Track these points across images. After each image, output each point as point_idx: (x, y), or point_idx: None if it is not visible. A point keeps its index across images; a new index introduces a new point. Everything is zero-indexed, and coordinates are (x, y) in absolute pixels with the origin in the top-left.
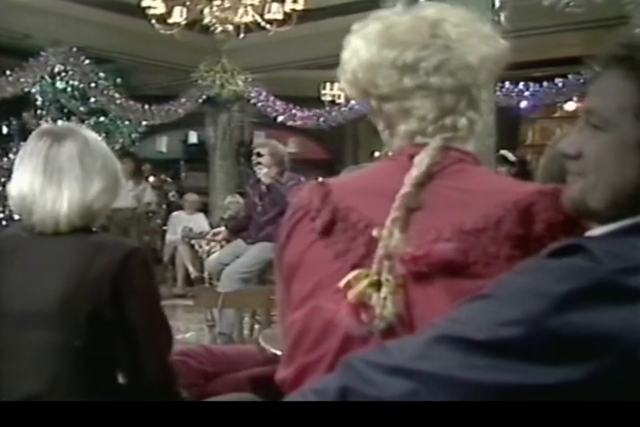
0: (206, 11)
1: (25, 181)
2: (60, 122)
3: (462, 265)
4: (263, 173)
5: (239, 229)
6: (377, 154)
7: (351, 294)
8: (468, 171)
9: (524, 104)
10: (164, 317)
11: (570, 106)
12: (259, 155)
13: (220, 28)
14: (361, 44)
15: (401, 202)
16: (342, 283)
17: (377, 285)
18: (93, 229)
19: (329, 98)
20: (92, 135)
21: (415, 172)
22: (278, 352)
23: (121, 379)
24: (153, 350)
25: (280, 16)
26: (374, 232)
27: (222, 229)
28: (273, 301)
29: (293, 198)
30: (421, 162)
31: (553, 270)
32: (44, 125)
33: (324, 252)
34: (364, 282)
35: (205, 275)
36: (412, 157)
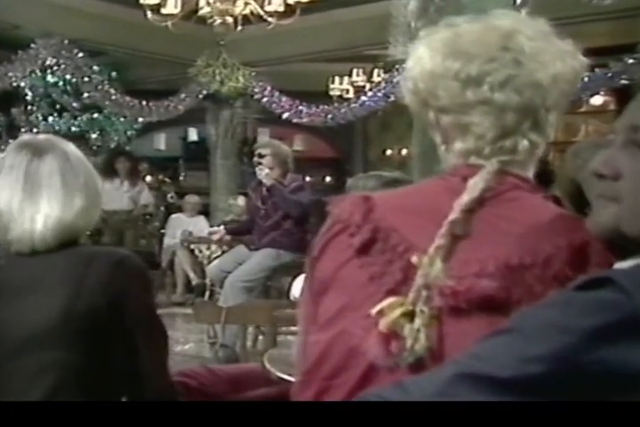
0: (202, 1)
1: (2, 197)
2: (50, 118)
3: (503, 303)
4: (264, 174)
5: (239, 232)
6: (389, 152)
7: (383, 323)
8: (523, 200)
9: None
10: (161, 323)
11: (596, 100)
12: (260, 155)
13: (218, 21)
14: (425, 53)
15: (448, 229)
16: (375, 310)
17: (410, 315)
18: (81, 242)
19: (337, 93)
20: (74, 149)
21: (466, 197)
22: (284, 376)
23: (122, 394)
24: (152, 356)
25: (282, 8)
26: (414, 259)
27: (220, 228)
28: (278, 316)
29: (333, 209)
30: (474, 187)
31: (580, 304)
32: (24, 137)
33: (358, 272)
34: (398, 311)
35: (207, 281)
36: (465, 178)
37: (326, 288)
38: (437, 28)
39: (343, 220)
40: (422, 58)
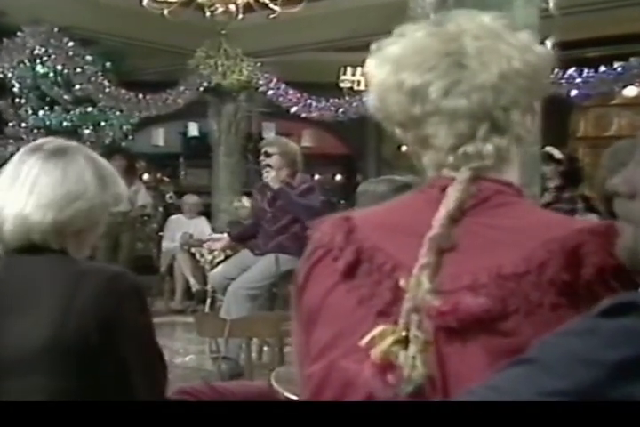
0: None
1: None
2: (41, 112)
3: (499, 315)
4: (271, 176)
5: (244, 237)
6: (404, 148)
7: (375, 354)
8: (507, 205)
9: (574, 93)
10: (159, 349)
11: (630, 91)
12: (267, 154)
13: (220, 9)
14: (372, 67)
15: (430, 246)
16: (365, 340)
17: (404, 342)
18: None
19: (348, 84)
20: (72, 150)
21: (443, 210)
22: (293, 396)
23: None
24: (147, 387)
25: None
26: (401, 282)
27: (223, 235)
28: (285, 330)
29: (314, 233)
30: (449, 198)
31: (605, 334)
32: (49, 141)
33: (346, 297)
34: (390, 339)
35: (208, 288)
36: (444, 189)
37: (315, 317)
38: (387, 39)
39: (325, 244)
40: (371, 73)
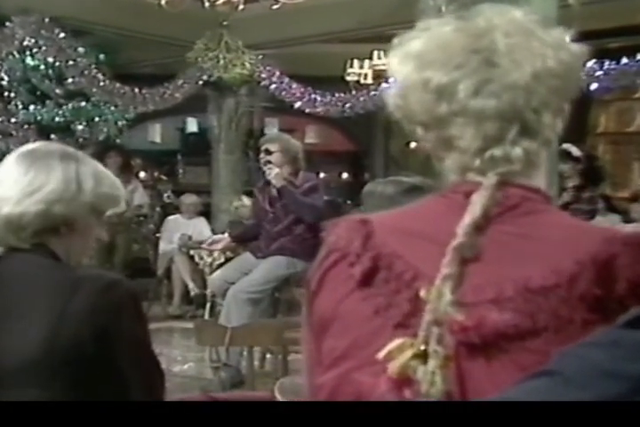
0: None
1: None
2: (31, 107)
3: (528, 332)
4: (273, 174)
5: (245, 238)
6: (412, 145)
7: (392, 368)
8: (535, 213)
9: (594, 86)
10: (156, 358)
11: None
12: (268, 152)
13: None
14: (395, 65)
15: (453, 256)
16: (383, 353)
17: (423, 356)
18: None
19: (355, 78)
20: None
21: (468, 218)
22: None
23: None
24: (143, 397)
25: None
26: (421, 293)
27: (224, 236)
28: (289, 338)
29: (328, 236)
30: (475, 206)
31: (629, 346)
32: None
33: (362, 305)
34: (408, 353)
35: (208, 292)
36: (467, 195)
37: (328, 325)
38: (409, 34)
39: (340, 248)
40: (393, 71)
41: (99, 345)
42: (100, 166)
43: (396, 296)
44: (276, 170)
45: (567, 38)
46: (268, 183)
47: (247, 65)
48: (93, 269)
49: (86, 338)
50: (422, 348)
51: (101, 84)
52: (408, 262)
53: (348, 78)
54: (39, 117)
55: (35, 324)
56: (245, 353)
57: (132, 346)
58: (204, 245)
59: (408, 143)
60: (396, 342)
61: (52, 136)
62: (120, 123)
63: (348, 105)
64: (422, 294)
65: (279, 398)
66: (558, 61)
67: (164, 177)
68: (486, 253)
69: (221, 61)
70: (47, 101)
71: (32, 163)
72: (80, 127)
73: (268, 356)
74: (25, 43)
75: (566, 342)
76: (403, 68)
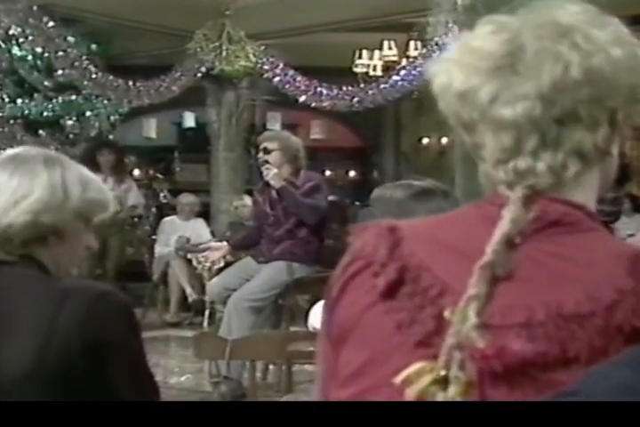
0: None
1: None
2: (19, 100)
3: (556, 361)
4: (271, 174)
5: (246, 244)
6: (425, 141)
7: (410, 393)
8: (577, 232)
9: None
10: (151, 374)
11: None
12: (266, 151)
13: None
14: (436, 65)
15: (481, 275)
16: (400, 378)
17: (443, 382)
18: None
19: (364, 69)
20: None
21: (497, 235)
22: None
23: None
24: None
25: None
26: (445, 313)
27: (222, 244)
28: (293, 351)
29: (355, 241)
30: (504, 221)
31: None
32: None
33: (384, 319)
34: (428, 378)
35: (206, 298)
36: (502, 207)
37: (347, 336)
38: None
39: (365, 255)
40: (433, 72)
41: (89, 360)
42: (85, 170)
43: (421, 312)
44: (274, 170)
45: (621, 39)
46: (267, 184)
47: (251, 57)
48: (82, 279)
49: (76, 352)
50: (443, 373)
51: (93, 76)
52: (436, 276)
53: (357, 70)
54: (26, 112)
55: (22, 339)
56: (247, 364)
57: (125, 360)
58: (201, 255)
59: (420, 139)
60: (415, 365)
61: (41, 132)
62: (113, 117)
63: (355, 99)
64: (446, 314)
65: None
66: (587, 69)
67: (159, 175)
68: (519, 273)
69: (223, 53)
70: (35, 95)
71: (15, 169)
72: (70, 122)
73: (271, 367)
74: (11, 32)
75: None
76: (440, 70)
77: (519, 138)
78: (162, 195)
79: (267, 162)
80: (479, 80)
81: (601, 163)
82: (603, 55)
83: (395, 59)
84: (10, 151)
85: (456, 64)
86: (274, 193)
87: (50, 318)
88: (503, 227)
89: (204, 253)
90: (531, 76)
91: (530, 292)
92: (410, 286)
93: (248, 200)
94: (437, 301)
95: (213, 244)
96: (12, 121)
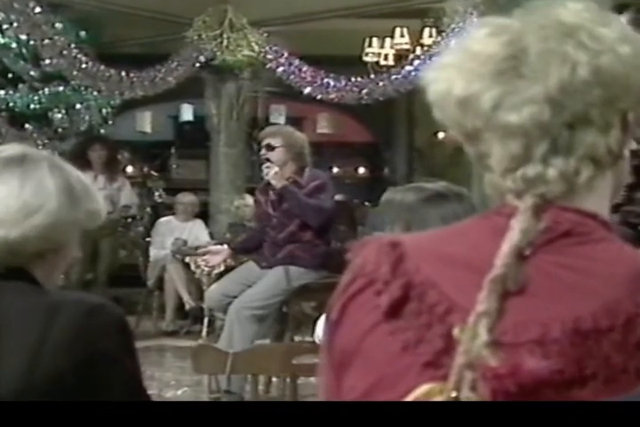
0: None
1: None
2: (2, 91)
3: (574, 380)
4: (272, 173)
5: (248, 248)
6: (441, 135)
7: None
8: (591, 242)
9: None
10: (146, 394)
11: None
12: (269, 147)
13: None
14: (432, 72)
15: (491, 289)
16: (409, 400)
17: None
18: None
19: (374, 59)
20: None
21: (506, 247)
22: None
23: None
24: None
25: None
26: (455, 331)
27: (223, 247)
28: (299, 365)
29: (354, 258)
30: (513, 232)
31: None
32: (8, 148)
33: (388, 340)
34: (438, 400)
35: (205, 306)
36: (511, 218)
37: (350, 361)
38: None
39: (367, 273)
40: (429, 80)
41: (81, 377)
42: (82, 176)
43: (428, 331)
44: (275, 169)
45: (628, 35)
46: (269, 183)
47: (254, 46)
48: (73, 292)
49: (67, 369)
50: (453, 395)
51: (83, 65)
52: (442, 293)
53: (367, 59)
54: (11, 104)
55: (11, 355)
56: (249, 377)
57: (118, 378)
58: (200, 260)
59: (435, 133)
60: (424, 387)
61: (27, 126)
62: (104, 110)
63: (365, 90)
64: (455, 333)
65: None
66: (596, 69)
67: (154, 173)
68: (531, 287)
69: (224, 42)
70: (20, 85)
71: (24, 175)
72: (58, 115)
73: (275, 379)
74: None
75: (616, 394)
76: (437, 77)
77: (528, 144)
78: (157, 194)
79: (268, 160)
80: (481, 86)
81: (613, 167)
82: (611, 54)
83: (407, 47)
84: (12, 149)
85: (454, 70)
86: (275, 193)
87: (40, 332)
88: (513, 238)
89: (204, 258)
90: (537, 79)
91: (543, 307)
92: (415, 304)
93: (250, 199)
94: (445, 318)
95: (213, 247)
96: None
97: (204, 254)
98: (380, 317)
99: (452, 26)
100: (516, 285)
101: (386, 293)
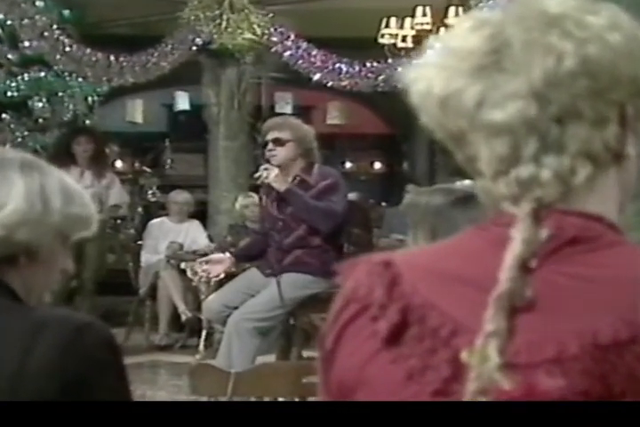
0: None
1: None
2: None
3: (600, 398)
4: (272, 176)
5: (252, 254)
6: None
7: None
8: (601, 248)
9: None
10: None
11: None
12: (278, 142)
13: None
14: (411, 72)
15: (497, 306)
16: None
17: None
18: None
19: (392, 40)
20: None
21: (509, 259)
22: None
23: None
24: None
25: None
26: (463, 355)
27: (225, 256)
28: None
29: (344, 282)
30: (514, 243)
31: None
32: None
33: (391, 369)
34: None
35: (203, 317)
36: (511, 226)
37: (350, 394)
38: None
39: (360, 297)
40: (409, 81)
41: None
42: (67, 179)
43: (433, 357)
44: (275, 171)
45: (618, 22)
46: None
47: (257, 28)
48: (58, 309)
49: (51, 392)
50: None
51: (66, 48)
52: (445, 314)
53: (383, 41)
54: None
55: None
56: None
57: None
58: (199, 270)
59: None
60: None
61: (4, 115)
62: (90, 98)
63: (381, 76)
64: (464, 357)
65: None
66: (581, 59)
67: (147, 168)
68: (541, 301)
69: (224, 23)
70: None
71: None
72: (39, 104)
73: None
74: None
75: None
76: (418, 77)
77: (516, 143)
78: (150, 192)
79: (274, 157)
80: (462, 83)
81: (616, 166)
82: (599, 42)
83: (429, 28)
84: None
85: (434, 68)
86: (279, 196)
87: (21, 355)
88: (515, 250)
89: (204, 268)
90: (519, 73)
91: (557, 322)
92: (416, 329)
93: (257, 198)
94: (450, 342)
95: (214, 256)
96: None
97: (204, 260)
98: (380, 344)
99: (481, 4)
100: (524, 300)
101: (383, 318)
